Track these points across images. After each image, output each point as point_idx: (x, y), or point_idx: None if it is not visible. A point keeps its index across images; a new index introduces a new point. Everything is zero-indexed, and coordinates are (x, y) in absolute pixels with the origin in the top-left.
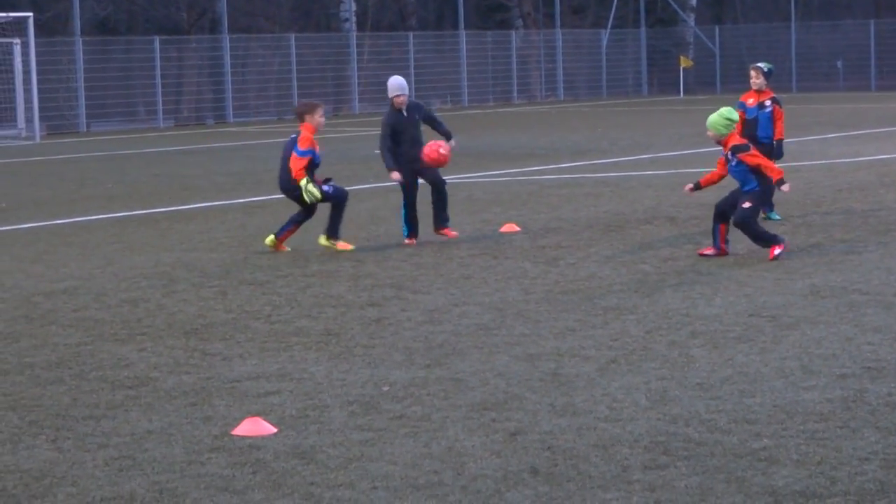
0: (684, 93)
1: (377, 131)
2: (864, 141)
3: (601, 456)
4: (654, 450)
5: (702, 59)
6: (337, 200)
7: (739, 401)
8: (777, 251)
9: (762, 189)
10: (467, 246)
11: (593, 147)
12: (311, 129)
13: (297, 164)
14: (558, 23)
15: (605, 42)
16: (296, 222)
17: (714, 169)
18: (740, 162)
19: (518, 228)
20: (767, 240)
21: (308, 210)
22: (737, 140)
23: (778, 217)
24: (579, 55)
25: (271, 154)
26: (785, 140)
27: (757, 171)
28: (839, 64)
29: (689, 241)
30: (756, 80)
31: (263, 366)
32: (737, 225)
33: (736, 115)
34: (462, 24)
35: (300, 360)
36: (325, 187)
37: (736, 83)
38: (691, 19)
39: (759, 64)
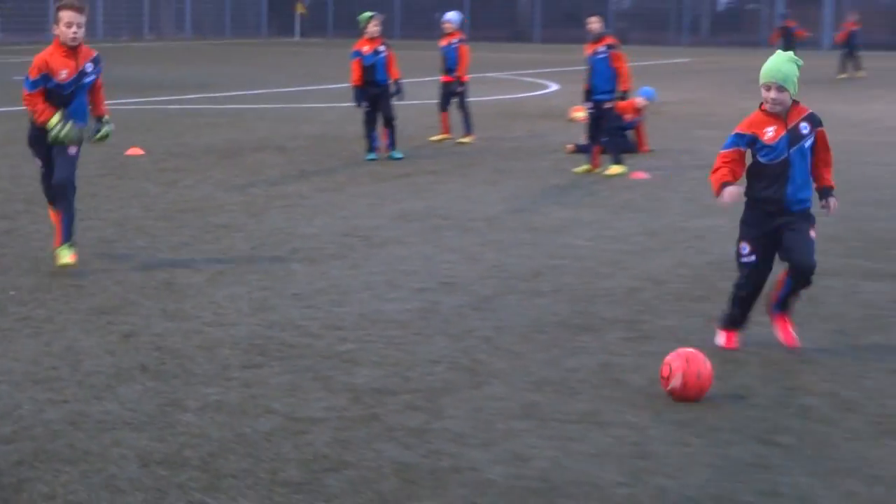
0: (300, 35)
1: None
2: None
3: (205, 356)
4: (251, 351)
5: (317, 6)
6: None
7: (330, 310)
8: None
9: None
10: (94, 167)
11: (215, 81)
12: (50, 50)
13: (27, 102)
14: None
15: None
16: None
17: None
18: (813, 143)
19: (142, 152)
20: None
21: None
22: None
23: (400, 155)
24: None
25: None
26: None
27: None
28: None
29: (296, 168)
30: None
31: None
32: (809, 269)
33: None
34: None
35: None
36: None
37: (346, 29)
38: None
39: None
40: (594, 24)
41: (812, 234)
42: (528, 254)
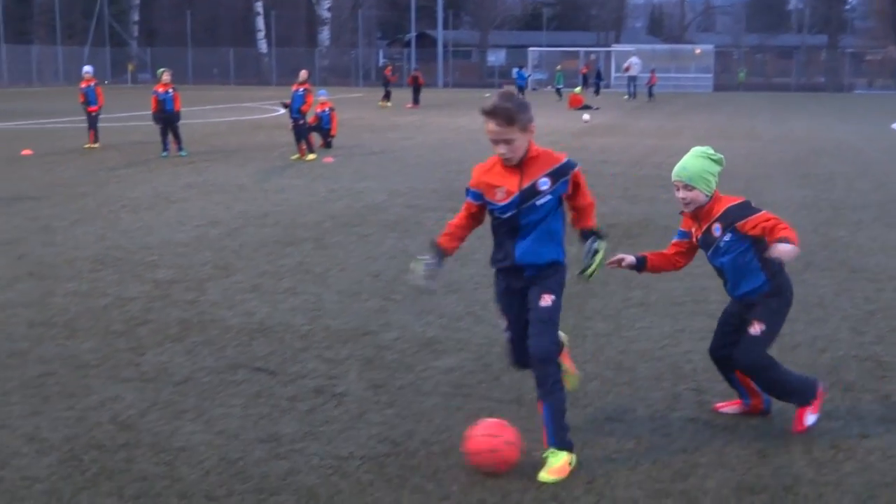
0: (132, 82)
1: None
2: None
3: (67, 267)
4: (100, 260)
5: (142, 65)
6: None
7: (142, 238)
8: (809, 418)
9: (775, 287)
10: (1, 162)
11: (78, 109)
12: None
13: None
14: None
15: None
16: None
17: (665, 250)
18: (736, 237)
19: (31, 152)
20: (797, 393)
21: None
22: (729, 200)
23: (185, 153)
24: None
25: None
26: None
27: (763, 248)
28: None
29: (125, 159)
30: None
31: None
32: (744, 368)
33: (719, 156)
34: None
35: None
36: None
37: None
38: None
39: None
40: (303, 74)
41: (756, 327)
42: (261, 204)
